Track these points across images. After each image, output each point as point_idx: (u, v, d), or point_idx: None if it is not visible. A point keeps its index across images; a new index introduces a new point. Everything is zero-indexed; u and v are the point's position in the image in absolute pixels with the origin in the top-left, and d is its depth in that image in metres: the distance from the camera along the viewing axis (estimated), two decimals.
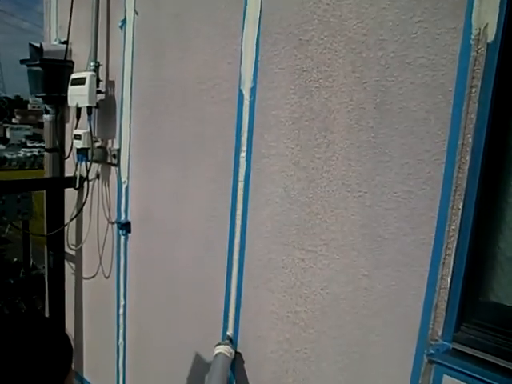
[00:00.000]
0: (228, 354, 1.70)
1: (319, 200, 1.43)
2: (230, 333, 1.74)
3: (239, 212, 1.64)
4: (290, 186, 1.49)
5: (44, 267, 2.71)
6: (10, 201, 2.16)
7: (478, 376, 1.17)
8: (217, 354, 1.69)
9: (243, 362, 1.71)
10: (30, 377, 0.90)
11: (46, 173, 2.44)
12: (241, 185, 1.63)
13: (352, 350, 1.41)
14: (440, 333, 1.25)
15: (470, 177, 1.15)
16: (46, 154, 2.43)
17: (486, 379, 1.16)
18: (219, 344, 1.71)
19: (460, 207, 1.17)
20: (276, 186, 1.53)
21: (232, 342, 1.75)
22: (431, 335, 1.26)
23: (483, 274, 1.22)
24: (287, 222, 1.51)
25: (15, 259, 13.33)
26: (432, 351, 1.24)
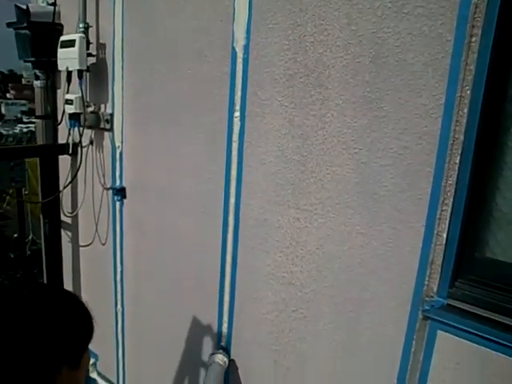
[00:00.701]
0: (222, 363, 1.75)
1: (314, 158, 1.40)
2: (226, 303, 1.75)
3: (234, 173, 1.62)
4: (285, 144, 1.47)
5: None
6: (3, 169, 2.13)
7: (471, 330, 1.17)
8: (211, 363, 1.74)
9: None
10: (63, 342, 0.93)
11: (39, 140, 2.41)
12: (235, 145, 1.61)
13: (348, 308, 1.41)
14: (435, 289, 1.25)
15: (468, 130, 1.13)
16: (37, 121, 2.39)
17: (479, 333, 1.16)
18: (213, 353, 1.76)
19: (457, 162, 1.15)
20: (270, 144, 1.51)
21: (226, 351, 1.79)
22: (426, 292, 1.25)
23: (479, 230, 1.21)
24: (282, 181, 1.49)
25: (15, 235, 13.37)
26: (427, 307, 1.24)
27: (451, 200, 1.18)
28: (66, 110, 2.13)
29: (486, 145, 1.14)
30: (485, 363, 1.17)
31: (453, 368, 1.23)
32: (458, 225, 1.18)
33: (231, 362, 1.78)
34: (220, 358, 1.75)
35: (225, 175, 1.66)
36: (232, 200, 1.65)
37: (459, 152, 1.14)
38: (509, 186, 1.16)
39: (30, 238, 8.30)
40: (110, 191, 2.17)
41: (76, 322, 0.99)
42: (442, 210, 1.19)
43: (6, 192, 2.18)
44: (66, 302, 0.99)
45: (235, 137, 1.60)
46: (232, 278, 1.70)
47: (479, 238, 1.21)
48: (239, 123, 1.59)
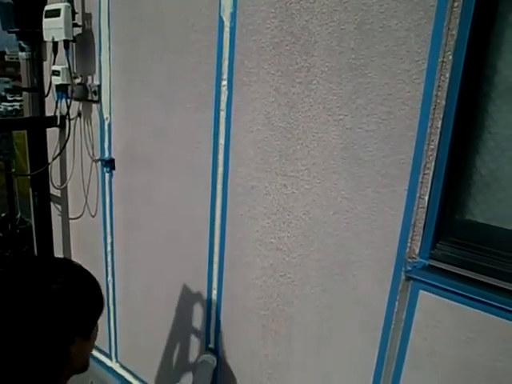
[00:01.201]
0: (211, 361, 1.83)
1: (300, 125, 1.43)
2: (215, 269, 1.79)
3: (222, 141, 1.64)
4: (272, 112, 1.49)
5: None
6: None
7: (452, 289, 1.23)
8: (200, 362, 1.82)
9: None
10: (77, 313, 0.99)
11: (26, 113, 2.40)
12: (223, 113, 1.62)
13: (334, 271, 1.45)
14: (417, 251, 1.29)
15: (450, 95, 1.16)
16: (24, 93, 2.38)
17: (459, 291, 1.22)
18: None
19: (439, 126, 1.18)
20: (257, 113, 1.53)
21: (213, 352, 1.88)
22: (409, 253, 1.30)
23: (460, 193, 1.25)
24: (269, 148, 1.52)
25: (3, 214, 13.29)
26: (409, 268, 1.29)
27: (433, 164, 1.21)
28: (52, 81, 2.11)
29: (466, 109, 1.17)
30: (464, 320, 1.23)
31: (434, 326, 1.28)
32: (440, 188, 1.22)
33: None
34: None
35: (213, 144, 1.68)
36: (220, 169, 1.67)
37: (441, 116, 1.17)
38: (488, 150, 1.20)
39: (19, 216, 8.25)
40: (99, 163, 2.18)
41: (89, 294, 1.05)
42: (424, 174, 1.23)
43: None
44: (80, 275, 1.05)
45: (223, 105, 1.62)
46: (221, 245, 1.74)
47: (459, 200, 1.25)
48: (227, 92, 1.60)
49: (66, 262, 1.07)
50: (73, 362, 1.01)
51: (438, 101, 1.16)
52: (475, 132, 1.19)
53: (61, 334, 0.96)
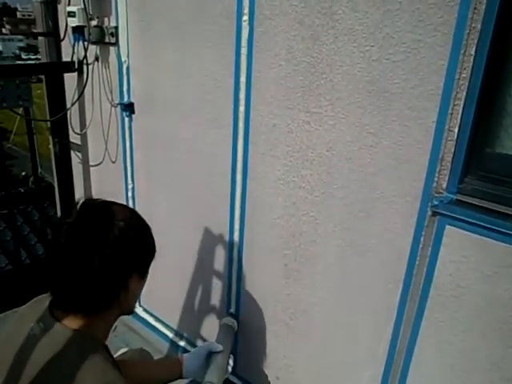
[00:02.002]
0: (230, 323, 1.90)
1: (324, 59, 1.38)
2: (237, 210, 1.79)
3: (243, 79, 1.61)
4: (295, 46, 1.44)
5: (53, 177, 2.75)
6: (10, 87, 2.12)
7: (479, 223, 1.20)
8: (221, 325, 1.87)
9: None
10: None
11: (43, 59, 2.38)
12: (244, 50, 1.58)
13: (357, 208, 1.44)
14: (444, 185, 1.27)
15: (487, 17, 1.09)
16: (40, 39, 2.35)
17: (487, 225, 1.19)
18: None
19: (472, 53, 1.13)
20: (280, 48, 1.48)
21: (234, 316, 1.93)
22: (435, 188, 1.27)
23: (492, 125, 1.21)
24: (292, 84, 1.48)
25: (23, 173, 13.55)
26: (436, 203, 1.27)
27: (464, 94, 1.17)
28: (68, 23, 2.08)
29: (504, 33, 1.11)
30: (491, 255, 1.21)
31: (459, 261, 1.27)
32: (470, 120, 1.18)
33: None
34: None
35: (234, 82, 1.64)
36: (241, 107, 1.65)
37: (475, 42, 1.11)
38: None
39: (40, 172, 8.36)
40: (118, 107, 2.16)
41: (147, 235, 1.19)
42: (454, 105, 1.18)
43: (13, 110, 2.17)
44: (138, 217, 1.19)
45: (244, 42, 1.57)
46: (243, 185, 1.73)
47: (491, 132, 1.21)
48: (248, 27, 1.55)
49: (125, 206, 1.20)
50: (128, 297, 1.14)
51: (474, 24, 1.10)
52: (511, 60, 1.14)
53: (124, 266, 1.09)
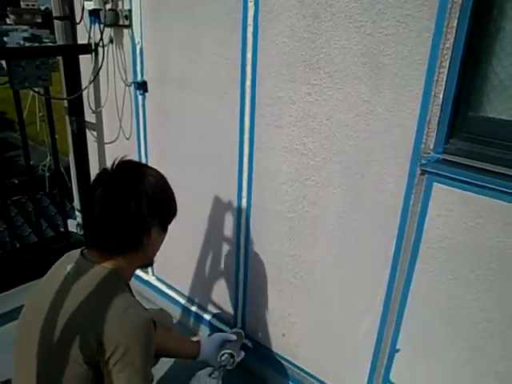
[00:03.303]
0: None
1: (323, 34, 1.52)
2: (245, 178, 1.94)
3: (249, 55, 1.75)
4: (297, 24, 1.58)
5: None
6: (30, 67, 2.25)
7: (462, 178, 1.34)
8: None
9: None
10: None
11: (59, 42, 2.51)
12: (250, 28, 1.72)
13: (354, 171, 1.59)
14: (432, 146, 1.41)
15: None
16: (56, 22, 2.48)
17: (469, 180, 1.33)
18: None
19: (455, 25, 1.27)
20: (283, 25, 1.62)
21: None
22: (424, 149, 1.42)
23: (473, 90, 1.35)
24: (294, 59, 1.62)
25: (31, 162, 13.68)
26: (424, 162, 1.41)
27: (448, 63, 1.30)
28: (85, 6, 2.22)
29: (482, 6, 1.24)
30: (473, 207, 1.35)
31: (446, 215, 1.42)
32: (453, 86, 1.32)
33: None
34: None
35: (241, 58, 1.78)
36: (248, 82, 1.79)
37: (457, 15, 1.25)
38: (503, 47, 1.28)
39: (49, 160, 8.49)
40: (132, 86, 2.31)
41: (172, 197, 1.43)
42: (439, 73, 1.32)
43: (34, 90, 2.31)
44: (168, 182, 1.41)
45: (250, 20, 1.71)
46: (250, 155, 1.88)
47: (473, 97, 1.35)
48: (253, 7, 1.69)
49: (155, 169, 1.41)
50: (149, 245, 1.34)
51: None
52: (490, 31, 1.27)
53: (150, 214, 1.29)
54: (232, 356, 1.75)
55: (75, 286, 1.24)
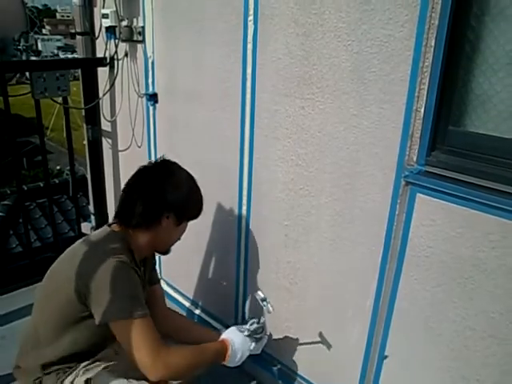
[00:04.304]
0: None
1: (315, 52, 1.61)
2: (245, 187, 2.03)
3: (249, 71, 1.85)
4: (291, 42, 1.67)
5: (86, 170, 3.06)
6: (50, 78, 2.40)
7: (443, 190, 1.40)
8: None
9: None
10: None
11: (80, 55, 2.67)
12: (250, 46, 1.82)
13: (344, 182, 1.66)
14: (415, 158, 1.47)
15: (442, 15, 1.30)
16: (78, 37, 2.64)
17: (450, 191, 1.39)
18: None
19: (432, 44, 1.34)
20: (279, 43, 1.72)
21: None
22: (407, 161, 1.48)
23: (453, 105, 1.41)
24: (289, 75, 1.71)
25: (58, 167, 14.09)
26: (407, 173, 1.48)
27: (428, 79, 1.38)
28: (102, 23, 2.36)
29: (458, 26, 1.32)
30: (454, 217, 1.41)
31: (429, 224, 1.48)
32: (433, 101, 1.39)
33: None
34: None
35: (241, 73, 1.88)
36: (248, 95, 1.89)
37: (434, 35, 1.33)
38: (477, 65, 1.35)
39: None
40: (144, 97, 2.44)
41: (197, 198, 1.63)
42: (420, 89, 1.39)
43: (53, 99, 2.46)
44: (198, 187, 1.62)
45: (250, 38, 1.81)
46: (249, 164, 1.97)
47: (452, 112, 1.42)
48: (253, 26, 1.79)
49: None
50: (160, 231, 1.53)
51: (432, 21, 1.32)
52: (465, 50, 1.34)
53: (167, 201, 1.50)
54: (259, 322, 1.72)
55: (85, 242, 1.48)
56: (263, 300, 1.77)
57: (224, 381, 1.87)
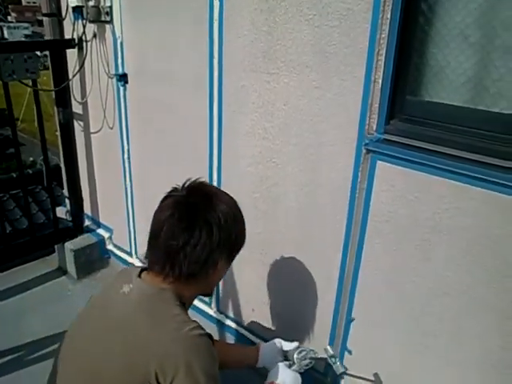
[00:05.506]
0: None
1: (279, 27, 1.67)
2: (215, 162, 2.08)
3: (216, 48, 1.89)
4: (255, 18, 1.72)
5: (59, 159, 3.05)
6: (18, 61, 2.39)
7: (402, 156, 1.48)
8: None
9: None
10: None
11: (47, 37, 2.66)
12: (216, 23, 1.86)
13: (309, 152, 1.73)
14: (374, 127, 1.55)
15: None
16: (44, 19, 2.63)
17: (407, 157, 1.47)
18: None
19: (389, 17, 1.40)
20: (244, 20, 1.76)
21: None
22: (368, 130, 1.56)
23: (409, 76, 1.49)
24: (254, 50, 1.76)
25: (31, 159, 13.86)
26: (367, 141, 1.55)
27: (384, 51, 1.45)
28: (69, 3, 2.36)
29: (412, 1, 1.38)
30: (411, 183, 1.49)
31: (388, 190, 1.56)
32: (390, 72, 1.46)
33: None
34: None
35: (208, 51, 1.93)
36: (215, 73, 1.93)
37: (390, 8, 1.39)
38: (431, 37, 1.42)
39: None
40: (114, 78, 2.45)
41: (242, 224, 1.38)
42: (377, 60, 1.46)
43: (21, 81, 2.45)
44: (238, 208, 1.38)
45: (216, 16, 1.85)
46: (219, 140, 2.02)
47: (409, 82, 1.49)
48: (218, 3, 1.83)
49: (227, 194, 1.39)
50: (213, 276, 1.31)
51: None
52: (419, 22, 1.42)
53: (219, 246, 1.24)
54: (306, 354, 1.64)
55: (131, 308, 1.20)
56: (332, 357, 1.65)
57: None
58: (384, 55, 1.45)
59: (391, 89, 1.48)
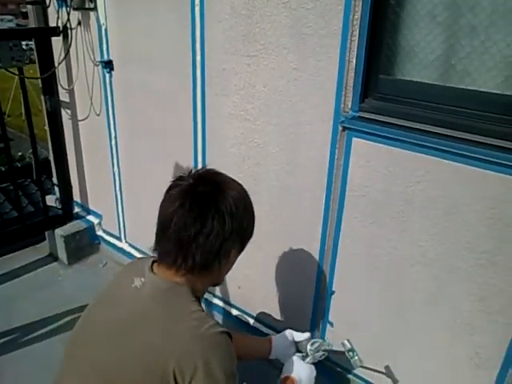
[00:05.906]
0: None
1: (258, 11, 1.73)
2: (199, 144, 2.14)
3: (198, 33, 1.95)
4: (235, 2, 1.78)
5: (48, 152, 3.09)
6: (3, 49, 2.41)
7: (376, 132, 1.56)
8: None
9: None
10: None
11: (31, 25, 2.69)
12: (197, 8, 1.91)
13: (289, 131, 1.80)
14: (350, 106, 1.62)
15: None
16: (28, 7, 2.65)
17: (381, 133, 1.55)
18: None
19: None
20: (224, 4, 1.82)
21: None
22: (343, 109, 1.63)
23: (381, 55, 1.56)
24: (235, 33, 1.82)
25: (19, 153, 13.78)
26: (343, 119, 1.63)
27: (358, 32, 1.52)
28: None
29: None
30: (386, 158, 1.57)
31: (364, 165, 1.64)
32: (363, 52, 1.53)
33: None
34: None
35: (191, 36, 1.98)
36: (198, 57, 1.99)
37: None
38: (402, 18, 1.49)
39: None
40: (100, 65, 2.50)
41: (253, 213, 1.30)
42: (351, 41, 1.53)
43: (7, 70, 2.49)
44: (248, 196, 1.28)
45: (197, 1, 1.91)
46: (202, 122, 2.09)
47: (381, 62, 1.56)
48: None
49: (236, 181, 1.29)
50: (225, 266, 1.25)
51: None
52: (390, 4, 1.48)
53: (232, 235, 1.18)
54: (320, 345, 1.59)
55: (145, 303, 1.15)
56: (350, 351, 1.60)
57: None
58: (357, 36, 1.52)
59: (365, 68, 1.55)
